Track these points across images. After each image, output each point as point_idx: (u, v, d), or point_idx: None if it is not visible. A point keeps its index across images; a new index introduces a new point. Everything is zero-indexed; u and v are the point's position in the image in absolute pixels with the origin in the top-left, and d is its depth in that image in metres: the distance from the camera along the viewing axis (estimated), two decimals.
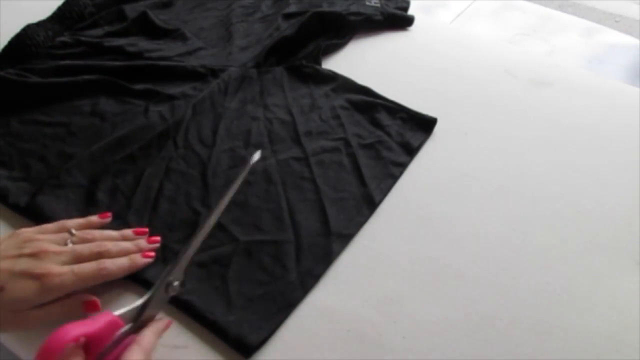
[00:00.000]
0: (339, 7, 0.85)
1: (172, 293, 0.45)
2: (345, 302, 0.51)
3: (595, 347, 0.48)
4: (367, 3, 0.87)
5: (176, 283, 0.45)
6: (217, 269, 0.52)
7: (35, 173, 0.60)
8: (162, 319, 0.47)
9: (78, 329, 0.39)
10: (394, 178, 0.62)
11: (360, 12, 0.85)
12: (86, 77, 0.71)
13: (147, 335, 0.43)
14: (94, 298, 0.47)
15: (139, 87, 0.71)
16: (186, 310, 0.49)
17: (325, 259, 0.54)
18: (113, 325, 0.42)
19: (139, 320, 0.44)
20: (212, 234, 0.54)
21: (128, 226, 0.55)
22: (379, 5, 0.87)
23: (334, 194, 0.60)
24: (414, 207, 0.60)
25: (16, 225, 0.56)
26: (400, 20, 0.87)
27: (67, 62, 0.73)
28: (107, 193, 0.58)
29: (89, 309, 0.46)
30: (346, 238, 0.56)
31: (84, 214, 0.56)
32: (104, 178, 0.60)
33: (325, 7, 0.85)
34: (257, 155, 0.52)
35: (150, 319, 0.45)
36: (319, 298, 0.51)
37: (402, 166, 0.64)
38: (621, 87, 0.78)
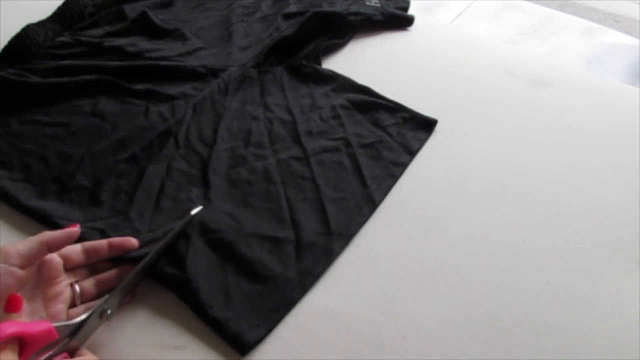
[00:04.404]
0: (339, 7, 0.85)
1: (105, 320, 0.47)
2: (345, 302, 0.51)
3: (595, 347, 0.48)
4: (367, 3, 0.87)
5: (109, 311, 0.47)
6: (217, 260, 0.53)
7: (36, 173, 0.60)
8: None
9: (14, 327, 0.39)
10: (395, 178, 0.62)
11: (360, 12, 0.85)
12: (86, 77, 0.71)
13: None
14: (17, 295, 0.44)
15: (139, 87, 0.71)
16: (187, 299, 0.49)
17: (326, 258, 0.54)
18: (48, 333, 0.42)
19: (71, 341, 0.44)
20: (215, 219, 0.55)
21: (130, 222, 0.56)
22: (379, 5, 0.87)
23: (334, 193, 0.60)
24: (414, 207, 0.60)
25: (16, 225, 0.56)
26: (400, 20, 0.87)
27: (67, 62, 0.73)
28: (111, 194, 0.59)
29: (9, 308, 0.44)
30: (347, 238, 0.56)
31: (86, 214, 0.56)
32: (107, 179, 0.60)
33: (325, 7, 0.85)
34: (198, 209, 0.56)
35: (79, 344, 0.45)
36: (319, 298, 0.51)
37: (403, 166, 0.64)
38: (621, 87, 0.78)
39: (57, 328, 0.43)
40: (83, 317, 0.45)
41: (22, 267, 0.45)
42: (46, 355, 0.42)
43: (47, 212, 0.56)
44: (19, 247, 0.46)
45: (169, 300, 0.50)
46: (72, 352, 0.44)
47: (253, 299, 0.50)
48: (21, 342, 0.40)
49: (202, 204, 0.57)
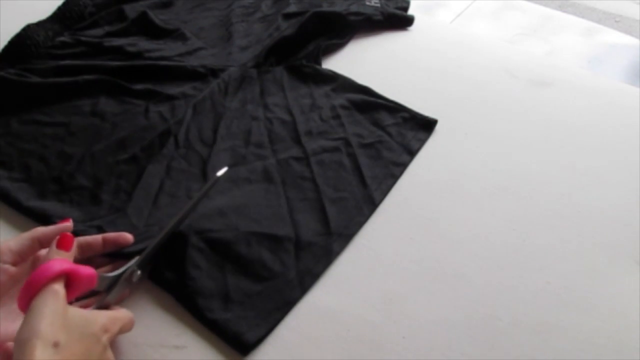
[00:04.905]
0: (339, 7, 0.85)
1: (134, 280, 0.49)
2: (345, 302, 0.51)
3: (595, 347, 0.48)
4: (367, 3, 0.87)
5: (139, 272, 0.49)
6: (216, 259, 0.52)
7: (35, 173, 0.60)
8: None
9: (67, 264, 0.41)
10: (395, 178, 0.62)
11: (360, 12, 0.85)
12: (86, 77, 0.71)
13: (127, 315, 0.45)
14: (70, 234, 0.45)
15: (139, 87, 0.71)
16: (185, 305, 0.49)
17: (325, 258, 0.54)
18: (91, 279, 0.44)
19: (104, 297, 0.46)
20: (214, 218, 0.55)
21: (127, 218, 0.56)
22: (379, 5, 0.87)
23: (334, 193, 0.60)
24: (414, 207, 0.60)
25: (16, 225, 0.56)
26: (400, 20, 0.87)
27: (67, 62, 0.73)
28: (111, 194, 0.59)
29: (61, 245, 0.44)
30: (346, 238, 0.56)
31: (86, 214, 0.56)
32: (107, 179, 0.60)
33: (325, 7, 0.85)
34: (223, 170, 0.55)
35: (110, 303, 0.47)
36: (319, 298, 0.51)
37: (403, 166, 0.64)
38: (621, 87, 0.78)
39: (98, 276, 0.44)
40: (119, 271, 0.47)
41: (14, 264, 0.45)
42: (90, 308, 0.44)
43: (47, 212, 0.56)
44: (10, 244, 0.45)
45: (170, 299, 0.50)
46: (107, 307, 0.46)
47: (252, 299, 0.50)
48: (66, 281, 0.41)
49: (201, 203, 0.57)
